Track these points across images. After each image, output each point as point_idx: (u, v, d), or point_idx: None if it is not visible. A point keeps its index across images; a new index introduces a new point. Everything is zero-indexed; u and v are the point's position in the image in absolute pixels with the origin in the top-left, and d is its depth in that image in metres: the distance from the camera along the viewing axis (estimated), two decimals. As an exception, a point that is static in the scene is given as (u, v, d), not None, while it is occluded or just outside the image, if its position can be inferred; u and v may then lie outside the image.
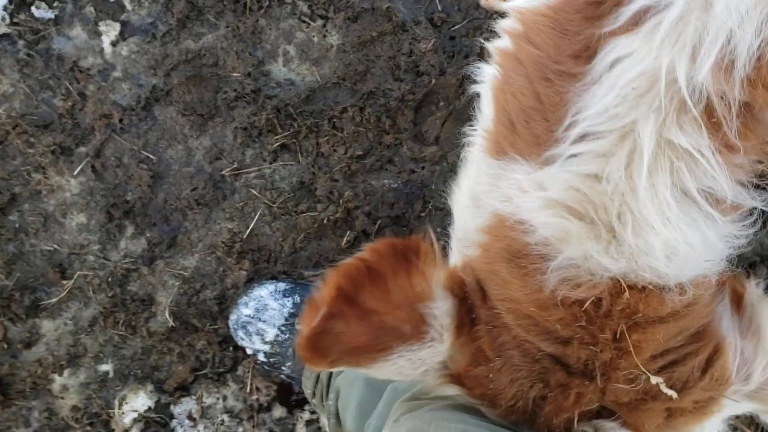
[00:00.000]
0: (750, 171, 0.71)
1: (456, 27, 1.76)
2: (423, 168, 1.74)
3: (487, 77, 0.86)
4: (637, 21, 0.67)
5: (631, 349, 0.69)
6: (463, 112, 1.76)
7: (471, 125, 0.93)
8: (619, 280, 0.69)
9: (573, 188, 0.69)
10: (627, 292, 0.69)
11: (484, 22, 1.77)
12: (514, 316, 0.74)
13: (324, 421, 1.68)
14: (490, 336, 0.76)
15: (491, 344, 0.75)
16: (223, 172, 1.69)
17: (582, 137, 0.70)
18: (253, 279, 1.67)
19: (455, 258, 0.88)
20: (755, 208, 0.72)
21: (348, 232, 1.69)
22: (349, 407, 1.30)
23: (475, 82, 0.90)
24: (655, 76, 0.65)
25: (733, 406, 0.75)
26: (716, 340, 0.74)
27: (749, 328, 0.76)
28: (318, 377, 1.50)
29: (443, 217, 1.72)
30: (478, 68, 0.89)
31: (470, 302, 0.78)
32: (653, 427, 0.73)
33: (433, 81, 1.74)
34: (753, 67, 0.63)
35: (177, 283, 1.66)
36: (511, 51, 0.81)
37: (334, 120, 1.72)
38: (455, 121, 1.77)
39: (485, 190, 0.79)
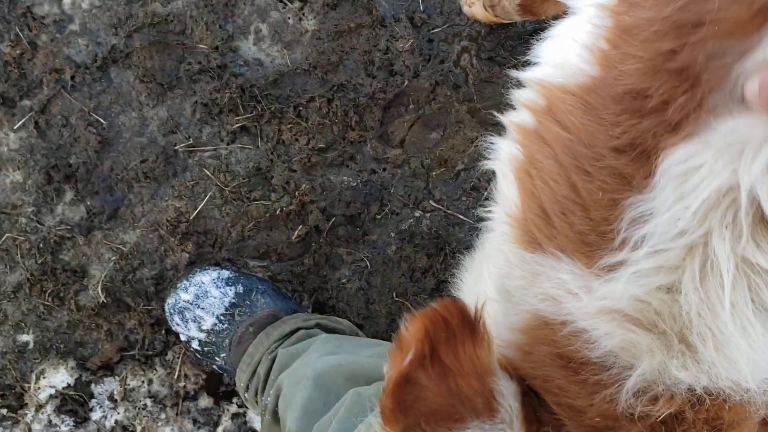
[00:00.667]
0: None
1: (436, 30, 1.72)
2: (384, 170, 1.69)
3: (504, 155, 0.79)
4: (697, 124, 0.62)
5: None
6: (432, 118, 1.73)
7: (485, 206, 0.85)
8: (697, 391, 0.66)
9: (639, 300, 0.64)
10: (708, 401, 0.66)
11: (464, 29, 1.74)
12: (577, 424, 0.69)
13: (252, 415, 1.63)
14: None
15: None
16: (176, 147, 1.61)
17: (643, 247, 0.64)
18: (195, 263, 1.60)
19: None
20: None
21: (300, 226, 1.63)
22: (293, 406, 1.25)
23: (485, 157, 0.84)
24: (730, 192, 0.61)
25: None
26: None
27: None
28: (255, 371, 1.44)
29: (397, 223, 1.68)
30: (491, 143, 0.82)
31: (530, 400, 0.72)
32: None
33: (406, 82, 1.70)
34: None
35: (113, 258, 1.57)
36: (533, 128, 0.74)
37: (300, 108, 1.65)
38: (423, 127, 1.73)
39: (519, 285, 0.72)
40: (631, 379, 0.64)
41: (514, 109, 0.81)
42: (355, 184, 1.67)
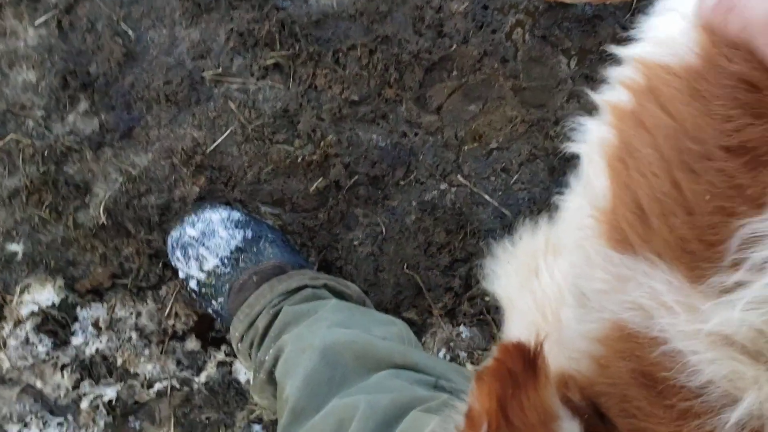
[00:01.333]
0: None
1: (493, -3, 1.62)
2: (416, 134, 1.60)
3: (593, 137, 0.69)
4: None
5: None
6: (474, 89, 1.64)
7: (561, 191, 0.75)
8: None
9: (755, 329, 0.55)
10: None
11: (522, 1, 1.64)
12: None
13: (238, 366, 1.55)
14: None
15: None
16: (204, 74, 1.51)
17: (766, 271, 0.55)
18: (205, 198, 1.51)
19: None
20: None
21: (320, 179, 1.54)
22: (295, 375, 1.17)
23: (570, 139, 0.73)
24: None
25: None
26: None
27: None
28: (253, 322, 1.36)
29: (421, 192, 1.60)
30: (578, 123, 0.70)
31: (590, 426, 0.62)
32: None
33: (454, 46, 1.60)
34: None
35: (120, 179, 1.48)
36: (631, 111, 0.65)
37: (339, 54, 1.56)
38: (462, 96, 1.64)
39: (599, 289, 0.63)
40: (735, 411, 0.56)
41: (612, 87, 0.71)
42: (383, 144, 1.58)
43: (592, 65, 1.76)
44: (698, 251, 0.57)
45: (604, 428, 0.61)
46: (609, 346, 0.61)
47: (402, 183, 1.59)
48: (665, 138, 0.60)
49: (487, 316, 1.68)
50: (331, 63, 1.55)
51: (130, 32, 1.48)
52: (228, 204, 1.50)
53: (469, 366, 1.68)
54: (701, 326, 0.55)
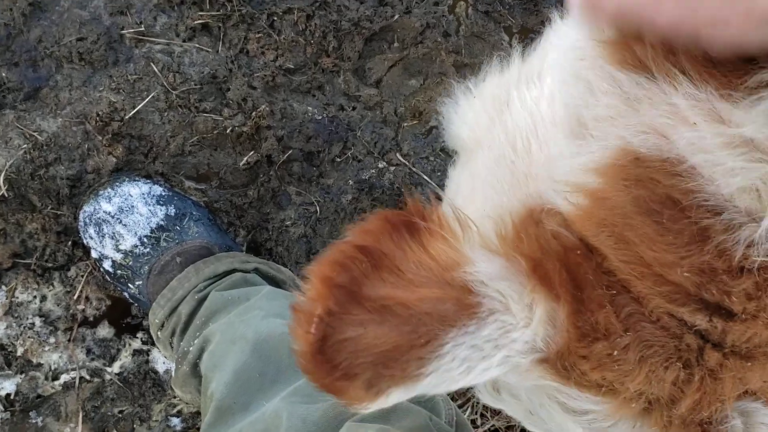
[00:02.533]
0: None
1: (438, -33, 1.54)
2: (354, 108, 1.51)
3: None
4: None
5: None
6: (415, 63, 1.55)
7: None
8: None
9: None
10: None
11: (468, -27, 1.57)
12: (650, 283, 0.56)
13: (156, 355, 1.42)
14: (614, 305, 0.57)
15: (617, 315, 0.57)
16: (123, 32, 1.35)
17: None
18: (122, 170, 1.36)
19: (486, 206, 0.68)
20: None
21: (251, 152, 1.42)
22: (224, 369, 1.06)
23: None
24: None
25: None
26: None
27: None
28: (175, 308, 1.24)
29: (358, 170, 1.50)
30: None
31: (571, 262, 0.58)
32: None
33: (396, 16, 1.51)
34: None
35: (24, 146, 1.31)
36: None
37: (274, 18, 1.44)
38: (403, 70, 1.55)
39: (605, 116, 0.58)
40: (764, 221, 0.52)
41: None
42: (320, 117, 1.47)
43: (533, 45, 1.71)
44: (732, 60, 0.52)
45: (594, 264, 0.57)
46: (609, 176, 0.56)
47: (338, 160, 1.49)
48: None
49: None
50: (265, 27, 1.43)
51: (38, -20, 1.31)
52: (148, 177, 1.36)
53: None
54: (730, 134, 0.52)
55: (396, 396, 0.51)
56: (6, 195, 1.29)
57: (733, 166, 0.53)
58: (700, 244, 0.54)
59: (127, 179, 1.31)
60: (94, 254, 1.31)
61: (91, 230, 1.28)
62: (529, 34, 1.65)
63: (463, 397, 1.58)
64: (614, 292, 0.58)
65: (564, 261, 0.58)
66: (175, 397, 1.41)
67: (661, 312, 0.57)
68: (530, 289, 0.56)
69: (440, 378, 0.52)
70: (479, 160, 0.76)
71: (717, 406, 0.59)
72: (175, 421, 1.44)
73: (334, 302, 0.51)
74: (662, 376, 0.58)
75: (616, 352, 0.57)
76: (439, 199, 0.75)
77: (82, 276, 1.36)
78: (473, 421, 1.59)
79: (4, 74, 1.30)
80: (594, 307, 0.57)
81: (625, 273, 0.57)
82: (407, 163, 1.54)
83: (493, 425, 1.60)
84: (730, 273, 0.55)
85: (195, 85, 1.39)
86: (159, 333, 1.27)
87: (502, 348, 0.54)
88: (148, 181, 1.34)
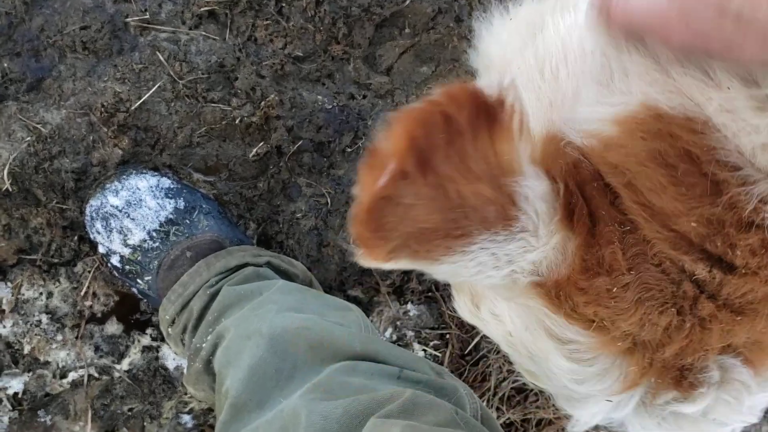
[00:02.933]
0: None
1: (450, -50, 1.49)
2: (365, 97, 1.47)
3: None
4: None
5: None
6: (427, 49, 1.51)
7: None
8: None
9: None
10: None
11: (480, -44, 1.52)
12: (658, 227, 0.57)
13: (166, 351, 1.39)
14: (623, 243, 0.58)
15: (624, 253, 0.58)
16: (128, 20, 1.31)
17: None
18: (129, 162, 1.32)
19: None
20: None
21: (260, 144, 1.38)
22: (238, 365, 1.03)
23: None
24: None
25: None
26: None
27: None
28: (187, 304, 1.20)
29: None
30: None
31: (587, 195, 0.59)
32: (761, 365, 0.65)
33: (407, 2, 1.47)
34: None
35: (28, 139, 1.27)
36: None
37: (283, 5, 1.39)
38: (414, 57, 1.51)
39: (632, 71, 0.57)
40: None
41: None
42: (330, 106, 1.43)
43: None
44: None
45: (608, 201, 0.58)
46: (628, 128, 0.57)
47: (349, 150, 1.45)
48: None
49: (436, 293, 1.58)
50: (274, 13, 1.39)
51: (39, -34, 1.27)
52: (156, 170, 1.32)
53: (416, 345, 1.58)
54: (761, 96, 0.52)
55: (402, 264, 0.53)
56: (10, 189, 1.25)
57: (758, 123, 0.52)
58: (713, 197, 0.54)
59: (134, 172, 1.28)
60: (101, 249, 1.27)
61: (98, 225, 1.25)
62: (542, 19, 1.61)
63: (477, 391, 1.55)
64: (625, 229, 0.58)
65: (583, 192, 0.58)
66: (186, 394, 1.38)
67: (663, 257, 0.58)
68: (559, 216, 0.56)
69: (451, 269, 0.54)
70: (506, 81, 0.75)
71: (700, 355, 0.61)
72: (186, 418, 1.41)
73: (410, 163, 0.50)
74: (656, 320, 0.59)
75: (615, 289, 0.58)
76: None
77: (89, 272, 1.32)
78: (489, 415, 1.56)
79: (5, 65, 1.26)
80: (603, 243, 0.57)
81: (635, 214, 0.57)
82: (420, 153, 1.50)
83: (508, 418, 1.57)
84: (738, 227, 0.55)
85: (202, 74, 1.35)
86: (170, 329, 1.24)
87: (513, 264, 0.55)
88: (156, 173, 1.30)
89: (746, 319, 0.61)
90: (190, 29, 1.35)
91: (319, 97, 1.43)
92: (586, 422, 0.67)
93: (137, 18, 1.31)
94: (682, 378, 0.63)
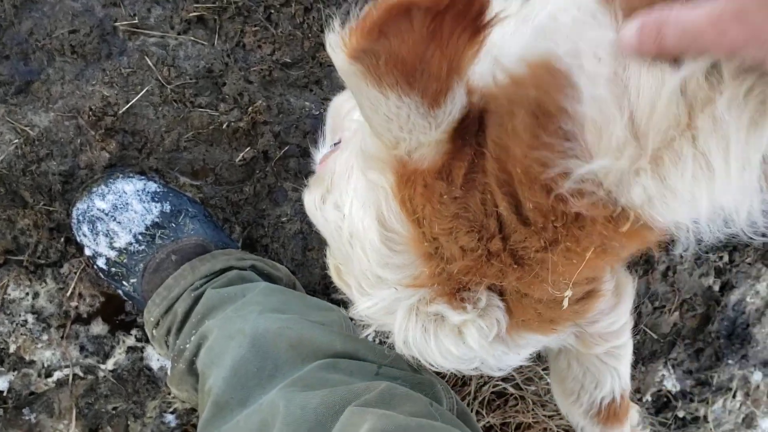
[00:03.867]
0: None
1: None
2: (352, 103, 1.48)
3: None
4: None
5: (579, 267, 0.71)
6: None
7: None
8: (628, 212, 0.65)
9: (656, 91, 0.58)
10: (628, 225, 0.67)
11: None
12: (498, 165, 0.68)
13: (150, 352, 1.41)
14: (469, 165, 0.70)
15: (465, 173, 0.70)
16: (116, 24, 1.32)
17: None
18: (116, 166, 1.34)
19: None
20: None
21: (247, 148, 1.40)
22: (221, 364, 1.05)
23: None
24: None
25: (567, 336, 0.86)
26: (598, 286, 0.80)
27: (616, 290, 0.84)
28: (171, 306, 1.22)
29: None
30: None
31: (469, 123, 0.69)
32: (520, 320, 0.77)
33: (395, 10, 1.48)
34: None
35: (16, 141, 1.28)
36: None
37: (271, 11, 1.41)
38: (402, 64, 1.53)
39: (564, 22, 0.65)
40: (587, 167, 0.62)
41: None
42: (317, 112, 1.45)
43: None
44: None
45: (476, 132, 0.69)
46: (532, 73, 0.65)
47: (335, 155, 1.47)
48: None
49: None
50: (262, 20, 1.40)
51: (29, -30, 1.28)
52: (143, 173, 1.34)
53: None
54: (613, 69, 0.59)
55: (355, 71, 0.62)
56: (-3, 191, 1.27)
57: (599, 94, 0.60)
58: (543, 153, 0.63)
59: (121, 175, 1.29)
60: (87, 252, 1.29)
61: (85, 228, 1.26)
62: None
63: (458, 395, 1.58)
64: (475, 155, 0.69)
65: (480, 116, 0.69)
66: (169, 395, 1.40)
67: (489, 190, 0.69)
68: (453, 126, 0.67)
69: (378, 101, 0.64)
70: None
71: (477, 281, 0.73)
72: (170, 417, 1.43)
73: (423, 9, 0.58)
74: (460, 237, 0.70)
75: (445, 197, 0.69)
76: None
77: (75, 273, 1.34)
78: (469, 418, 1.59)
79: (-6, 67, 1.27)
80: (458, 157, 0.69)
81: (490, 149, 0.68)
82: (405, 159, 1.52)
83: (488, 422, 1.60)
84: (540, 187, 0.65)
85: (190, 79, 1.36)
86: (154, 331, 1.26)
87: (409, 132, 0.66)
88: (143, 177, 1.32)
89: (519, 269, 0.71)
90: (179, 34, 1.36)
91: (307, 103, 1.45)
92: (373, 305, 0.77)
93: (126, 22, 1.32)
94: (457, 293, 0.74)
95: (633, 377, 1.89)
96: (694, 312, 1.84)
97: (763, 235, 0.63)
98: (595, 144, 0.62)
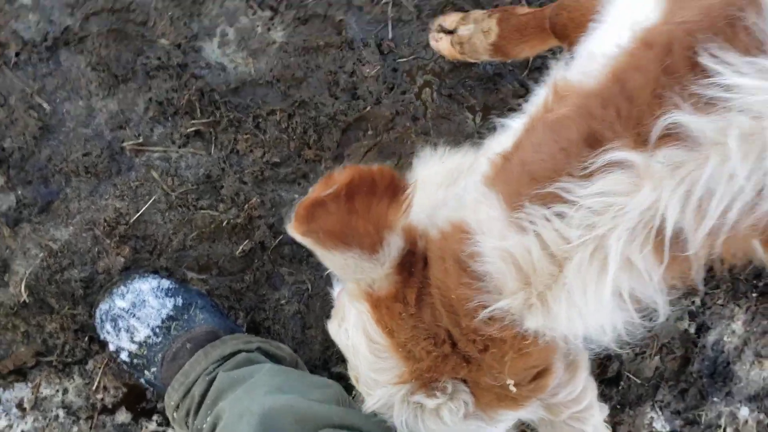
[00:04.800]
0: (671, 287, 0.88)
1: (401, 60, 1.71)
2: (336, 192, 1.66)
3: (530, 108, 0.95)
4: (654, 140, 0.74)
5: (507, 366, 0.93)
6: (389, 146, 1.72)
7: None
8: (529, 331, 0.88)
9: (529, 252, 0.82)
10: (530, 341, 0.89)
11: (429, 63, 1.74)
12: (440, 294, 0.91)
13: (171, 435, 1.54)
14: (419, 290, 0.93)
15: (417, 296, 0.93)
16: (123, 144, 1.51)
17: (558, 216, 0.80)
18: (130, 269, 1.50)
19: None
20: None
21: (245, 241, 1.57)
22: (234, 443, 1.19)
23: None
24: (649, 209, 0.76)
25: (536, 409, 1.03)
26: (550, 364, 0.98)
27: (570, 365, 1.02)
28: (189, 390, 1.36)
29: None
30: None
31: (416, 259, 0.94)
32: (487, 400, 0.97)
33: (368, 107, 1.68)
34: (731, 233, 0.75)
35: (41, 255, 1.45)
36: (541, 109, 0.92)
37: (259, 120, 1.60)
38: (378, 153, 1.71)
39: (469, 201, 0.90)
40: (494, 305, 0.86)
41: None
42: (306, 204, 1.62)
43: (496, 120, 1.88)
44: (525, 194, 0.83)
45: (423, 269, 0.93)
46: (453, 232, 0.91)
47: (325, 241, 1.64)
48: (549, 123, 0.89)
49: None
50: (252, 128, 1.59)
51: (45, 105, 1.47)
52: (155, 272, 1.50)
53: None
54: (498, 243, 0.84)
55: (310, 243, 0.88)
56: (27, 300, 1.43)
57: (494, 256, 0.85)
58: (467, 293, 0.87)
59: (137, 276, 1.45)
60: (111, 347, 1.44)
61: (108, 326, 1.41)
62: (491, 111, 1.82)
63: None
64: (423, 285, 0.93)
65: (413, 255, 0.94)
66: (191, 473, 1.53)
67: (435, 307, 0.92)
68: (398, 261, 0.91)
69: (332, 260, 0.89)
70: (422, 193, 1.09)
71: (443, 374, 0.94)
72: (192, 495, 1.55)
73: (343, 193, 0.86)
74: (420, 343, 0.93)
75: (403, 314, 0.93)
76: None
77: (99, 368, 1.48)
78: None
79: (20, 192, 1.45)
80: (409, 284, 0.93)
81: (433, 282, 0.92)
82: (388, 238, 1.69)
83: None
84: (470, 312, 0.88)
85: (192, 185, 1.54)
86: (174, 414, 1.39)
87: (363, 273, 0.91)
88: (156, 275, 1.48)
89: (468, 365, 0.94)
90: (180, 147, 1.55)
91: (296, 195, 1.63)
92: (375, 402, 0.99)
93: (132, 142, 1.51)
94: (430, 383, 0.95)
95: (623, 422, 2.01)
96: (674, 355, 1.98)
97: (628, 344, 0.88)
98: (499, 286, 0.86)
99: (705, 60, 0.70)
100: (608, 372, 1.91)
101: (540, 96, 0.95)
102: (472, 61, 1.75)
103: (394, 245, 0.90)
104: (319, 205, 0.86)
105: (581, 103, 0.83)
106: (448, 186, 1.12)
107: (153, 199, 1.51)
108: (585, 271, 0.80)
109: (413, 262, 0.94)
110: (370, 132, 1.70)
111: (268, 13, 1.61)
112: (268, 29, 1.61)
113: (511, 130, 0.99)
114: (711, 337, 2.00)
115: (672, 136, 0.73)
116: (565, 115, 0.84)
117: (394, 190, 0.89)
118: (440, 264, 0.91)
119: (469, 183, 0.98)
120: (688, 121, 0.71)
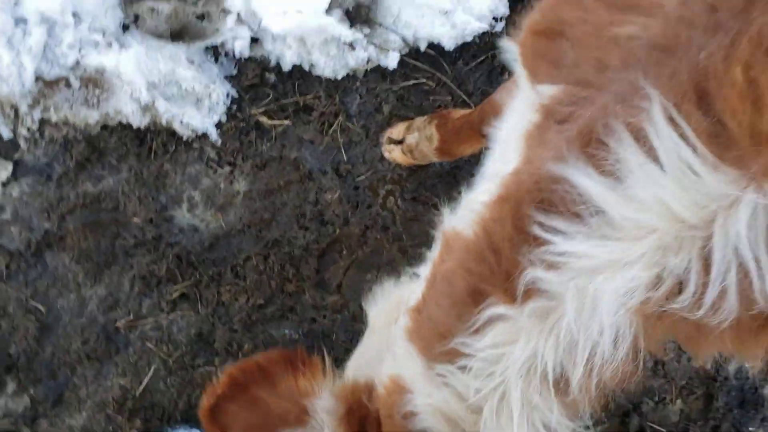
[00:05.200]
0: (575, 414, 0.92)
1: (360, 178, 1.80)
2: (324, 317, 1.74)
3: (432, 255, 1.00)
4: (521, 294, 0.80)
5: None
6: (366, 261, 1.79)
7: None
8: None
9: (450, 405, 0.86)
10: None
11: (387, 173, 1.82)
12: None
13: None
14: None
15: None
16: (117, 324, 1.63)
17: (461, 370, 0.85)
18: (146, 436, 1.60)
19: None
20: None
21: (247, 387, 1.65)
22: None
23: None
24: (532, 356, 0.81)
25: None
26: None
27: None
28: None
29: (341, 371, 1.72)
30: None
31: (369, 419, 0.95)
32: None
33: (338, 230, 1.76)
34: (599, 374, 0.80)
35: (61, 446, 1.56)
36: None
37: (237, 268, 1.70)
38: (357, 270, 1.79)
39: (399, 357, 0.93)
40: None
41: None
42: (296, 336, 1.71)
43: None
44: (438, 351, 0.87)
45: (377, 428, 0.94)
46: (393, 385, 0.93)
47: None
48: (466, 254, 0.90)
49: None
50: (232, 278, 1.69)
51: (41, 306, 1.60)
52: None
53: None
54: (427, 400, 0.87)
55: None
56: (56, 492, 1.53)
57: (426, 414, 0.88)
58: None
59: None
60: None
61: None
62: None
63: None
64: None
65: (360, 415, 0.96)
66: None
67: None
68: (343, 423, 0.94)
69: None
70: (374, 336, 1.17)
71: None
72: None
73: (226, 389, 0.93)
74: None
75: None
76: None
77: None
78: None
79: (32, 392, 1.57)
80: None
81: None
82: (384, 348, 1.75)
83: None
84: None
85: (186, 347, 1.64)
86: None
87: None
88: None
89: None
90: (168, 313, 1.65)
91: (286, 330, 1.71)
92: None
93: (124, 320, 1.62)
94: None
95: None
96: (695, 394, 1.97)
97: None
98: None
99: (536, 230, 0.77)
100: (630, 428, 1.91)
101: (437, 243, 1.01)
102: (426, 163, 1.83)
103: (323, 409, 0.93)
104: (217, 412, 0.91)
105: (462, 258, 0.89)
106: (390, 325, 1.13)
107: (153, 368, 1.62)
108: (499, 415, 0.85)
109: (366, 420, 0.96)
110: (344, 252, 1.78)
111: (227, 169, 1.72)
112: (231, 182, 1.72)
113: (421, 279, 1.03)
114: (731, 367, 1.99)
115: (534, 290, 0.79)
116: (452, 270, 0.90)
117: (292, 363, 0.95)
118: (389, 422, 0.94)
119: (397, 334, 1.01)
120: (543, 277, 0.77)
